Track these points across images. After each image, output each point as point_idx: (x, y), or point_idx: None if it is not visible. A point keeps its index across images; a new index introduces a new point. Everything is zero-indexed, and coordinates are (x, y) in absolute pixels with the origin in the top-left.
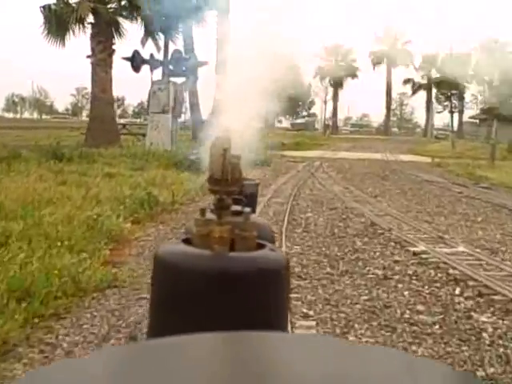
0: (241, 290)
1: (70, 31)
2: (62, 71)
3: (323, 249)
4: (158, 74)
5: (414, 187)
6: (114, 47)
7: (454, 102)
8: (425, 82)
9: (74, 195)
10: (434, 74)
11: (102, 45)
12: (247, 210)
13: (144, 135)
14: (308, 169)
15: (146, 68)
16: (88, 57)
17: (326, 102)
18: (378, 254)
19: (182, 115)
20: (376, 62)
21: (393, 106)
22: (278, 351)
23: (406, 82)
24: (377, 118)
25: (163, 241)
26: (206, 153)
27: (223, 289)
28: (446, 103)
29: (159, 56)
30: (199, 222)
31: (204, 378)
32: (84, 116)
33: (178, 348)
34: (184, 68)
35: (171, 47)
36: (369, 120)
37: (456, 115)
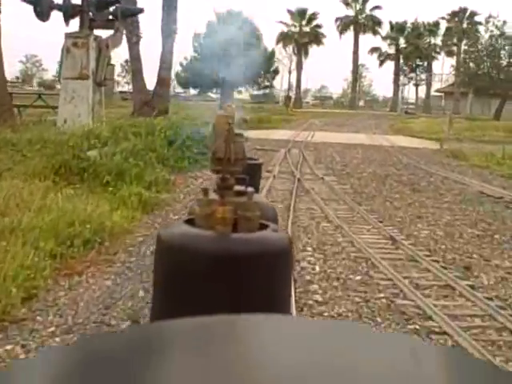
0: (243, 271)
1: None
2: (8, 37)
3: None
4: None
5: (484, 213)
6: None
7: (419, 74)
8: (392, 51)
9: None
10: (402, 44)
11: None
12: (250, 189)
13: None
14: (288, 167)
15: (58, 16)
16: None
17: (290, 72)
18: None
19: (111, 83)
20: (342, 29)
21: (351, 78)
22: (281, 335)
23: (373, 51)
24: (335, 89)
25: None
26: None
27: (226, 269)
28: (411, 75)
29: (77, 0)
30: (202, 203)
31: (205, 360)
32: (35, 84)
33: (181, 331)
34: (110, 16)
35: None
36: (327, 92)
37: (422, 88)
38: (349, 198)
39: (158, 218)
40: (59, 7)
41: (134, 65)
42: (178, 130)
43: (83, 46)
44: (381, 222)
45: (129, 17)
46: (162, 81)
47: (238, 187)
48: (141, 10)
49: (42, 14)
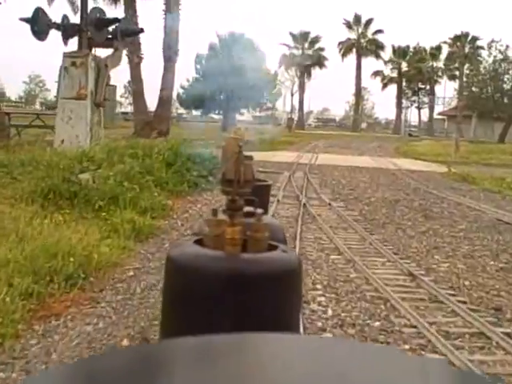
0: (253, 291)
1: None
2: (12, 58)
3: None
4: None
5: (505, 243)
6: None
7: (422, 97)
8: (395, 75)
9: None
10: (404, 68)
11: None
12: (259, 211)
13: None
14: (293, 192)
15: (58, 36)
16: None
17: (293, 94)
18: None
19: (116, 104)
20: (344, 53)
21: (353, 101)
22: (290, 353)
23: (376, 74)
24: (337, 111)
25: None
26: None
27: (235, 290)
28: (413, 98)
29: (76, 19)
30: (211, 223)
31: (216, 379)
32: (37, 104)
33: (189, 349)
34: (110, 36)
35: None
36: (329, 114)
37: (424, 111)
38: (359, 226)
39: (153, 248)
40: (57, 26)
41: (136, 85)
42: (178, 152)
43: (82, 66)
44: (395, 253)
45: (128, 36)
46: (163, 102)
47: (247, 208)
48: (141, 30)
49: (40, 33)
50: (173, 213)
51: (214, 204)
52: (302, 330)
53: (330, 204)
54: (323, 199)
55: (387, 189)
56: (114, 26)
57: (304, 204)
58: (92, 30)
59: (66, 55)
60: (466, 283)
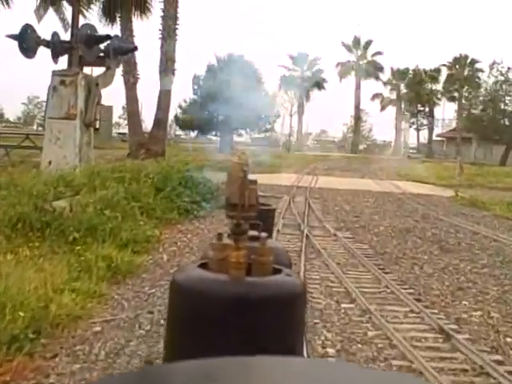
0: (257, 315)
1: None
2: (12, 79)
3: None
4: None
5: None
6: None
7: (421, 119)
8: (394, 97)
9: None
10: (403, 90)
11: None
12: (264, 235)
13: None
14: (293, 219)
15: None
16: None
17: (291, 115)
18: None
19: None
20: (343, 74)
21: (351, 123)
22: (294, 376)
23: (375, 97)
24: (334, 133)
25: None
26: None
27: (240, 313)
28: (412, 120)
29: (67, 37)
30: (216, 247)
31: None
32: (35, 125)
33: (194, 372)
34: (101, 53)
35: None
36: (327, 136)
37: (422, 133)
38: (370, 263)
39: (129, 292)
40: (46, 43)
41: (131, 106)
42: (168, 176)
43: (71, 85)
44: (417, 299)
45: (122, 54)
46: (159, 122)
47: (251, 232)
48: (134, 48)
49: (28, 51)
50: (159, 245)
51: (206, 235)
52: (305, 353)
53: (335, 235)
54: (327, 228)
55: (394, 215)
56: (106, 44)
57: (307, 235)
58: (82, 47)
59: (55, 73)
60: (509, 340)
